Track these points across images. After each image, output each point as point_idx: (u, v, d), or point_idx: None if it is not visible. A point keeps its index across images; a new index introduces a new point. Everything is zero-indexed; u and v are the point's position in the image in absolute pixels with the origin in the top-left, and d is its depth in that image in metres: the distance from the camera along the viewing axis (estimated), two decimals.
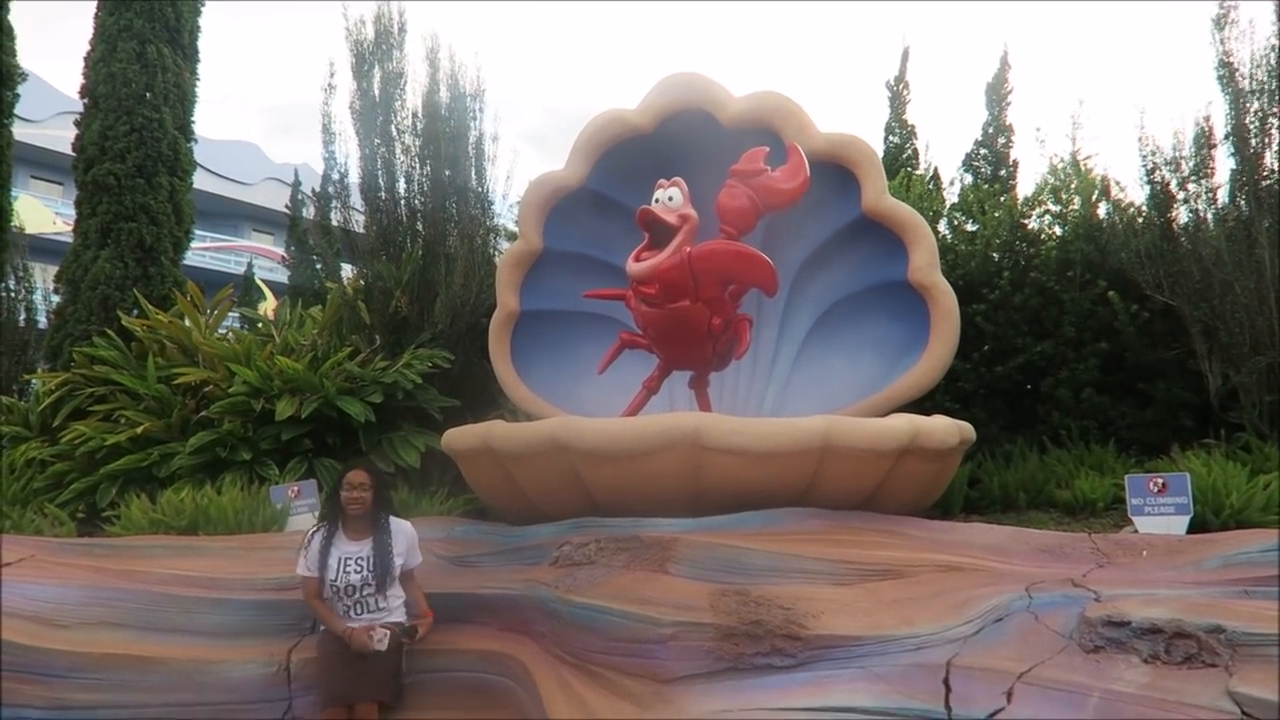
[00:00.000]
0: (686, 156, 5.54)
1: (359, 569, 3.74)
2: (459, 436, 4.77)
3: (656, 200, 4.93)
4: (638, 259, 4.86)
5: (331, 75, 7.07)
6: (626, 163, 5.73)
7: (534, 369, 5.88)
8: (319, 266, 9.70)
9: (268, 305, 13.36)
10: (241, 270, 20.08)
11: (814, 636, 3.13)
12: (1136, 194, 6.10)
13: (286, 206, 12.13)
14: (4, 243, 8.25)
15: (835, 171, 5.31)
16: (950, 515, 5.11)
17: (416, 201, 6.87)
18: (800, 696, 2.97)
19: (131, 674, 3.74)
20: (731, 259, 4.84)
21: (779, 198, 4.99)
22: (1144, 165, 5.78)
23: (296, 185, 12.32)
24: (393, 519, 3.90)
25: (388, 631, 3.66)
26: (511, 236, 7.32)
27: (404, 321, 6.52)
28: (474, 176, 6.93)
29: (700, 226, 4.91)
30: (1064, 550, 3.74)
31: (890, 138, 8.94)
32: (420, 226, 6.84)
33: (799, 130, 5.32)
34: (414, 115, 6.99)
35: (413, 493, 5.54)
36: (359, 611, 3.74)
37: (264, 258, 24.73)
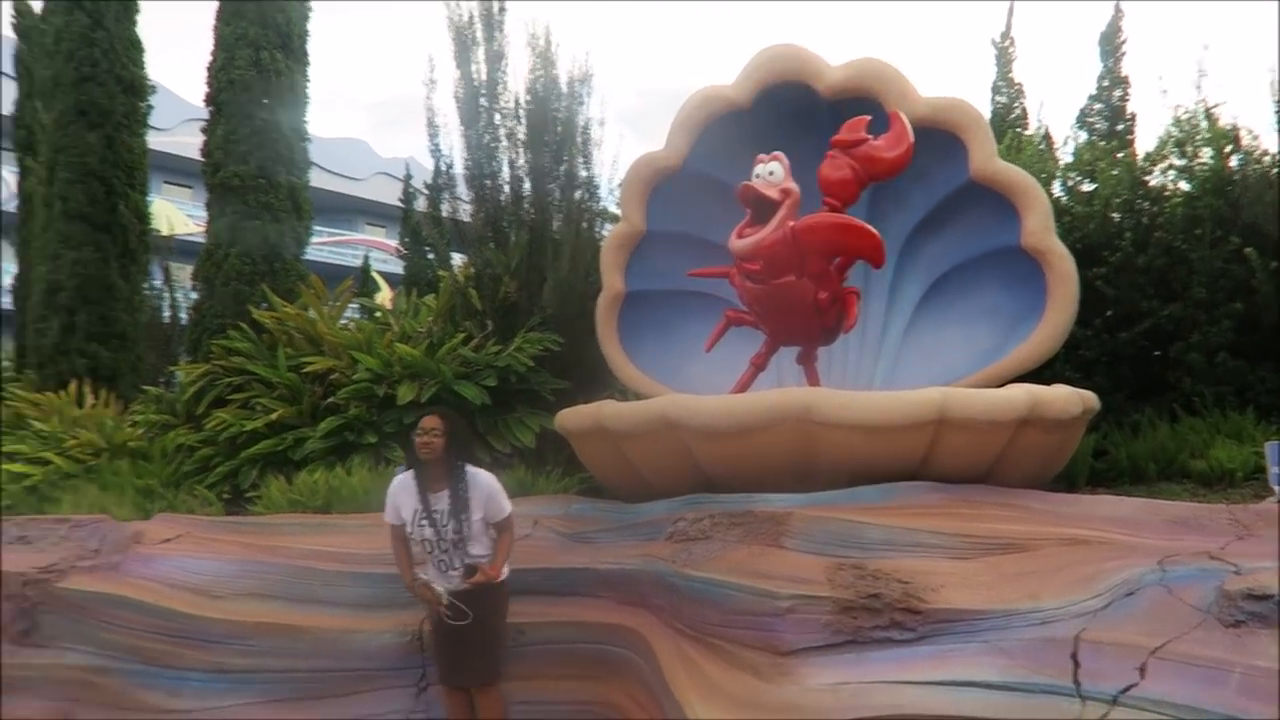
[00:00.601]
0: (786, 130, 5.49)
1: (430, 522, 3.64)
2: (571, 417, 4.90)
3: (757, 175, 4.92)
4: (740, 235, 4.86)
5: (432, 70, 7.29)
6: (725, 139, 5.72)
7: (642, 349, 5.96)
8: (431, 256, 10.06)
9: (383, 295, 13.93)
10: (358, 263, 20.92)
11: (934, 610, 3.11)
12: (1271, 142, 5.72)
13: (400, 200, 12.62)
14: (145, 245, 8.85)
15: (941, 137, 5.18)
16: (1075, 488, 4.95)
17: (522, 187, 7.02)
18: (921, 670, 2.96)
19: (280, 641, 4.03)
20: (836, 231, 4.79)
21: (882, 166, 4.90)
22: (1278, 111, 5.40)
23: (408, 179, 12.78)
24: (472, 469, 3.73)
25: (456, 609, 3.55)
26: (615, 219, 7.41)
27: (514, 306, 6.69)
28: (580, 161, 7.03)
29: (802, 200, 4.87)
30: (1199, 522, 3.58)
31: (997, 98, 8.59)
32: (525, 212, 6.98)
33: (900, 96, 5.20)
34: (516, 101, 7.13)
35: (529, 472, 5.72)
36: (444, 568, 3.68)
37: (378, 250, 25.67)
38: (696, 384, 5.43)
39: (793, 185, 4.86)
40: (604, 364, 6.10)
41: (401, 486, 3.79)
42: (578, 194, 7.07)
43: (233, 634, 3.99)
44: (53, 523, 4.84)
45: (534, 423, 6.05)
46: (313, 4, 9.02)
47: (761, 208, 4.79)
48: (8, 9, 10.71)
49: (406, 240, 13.06)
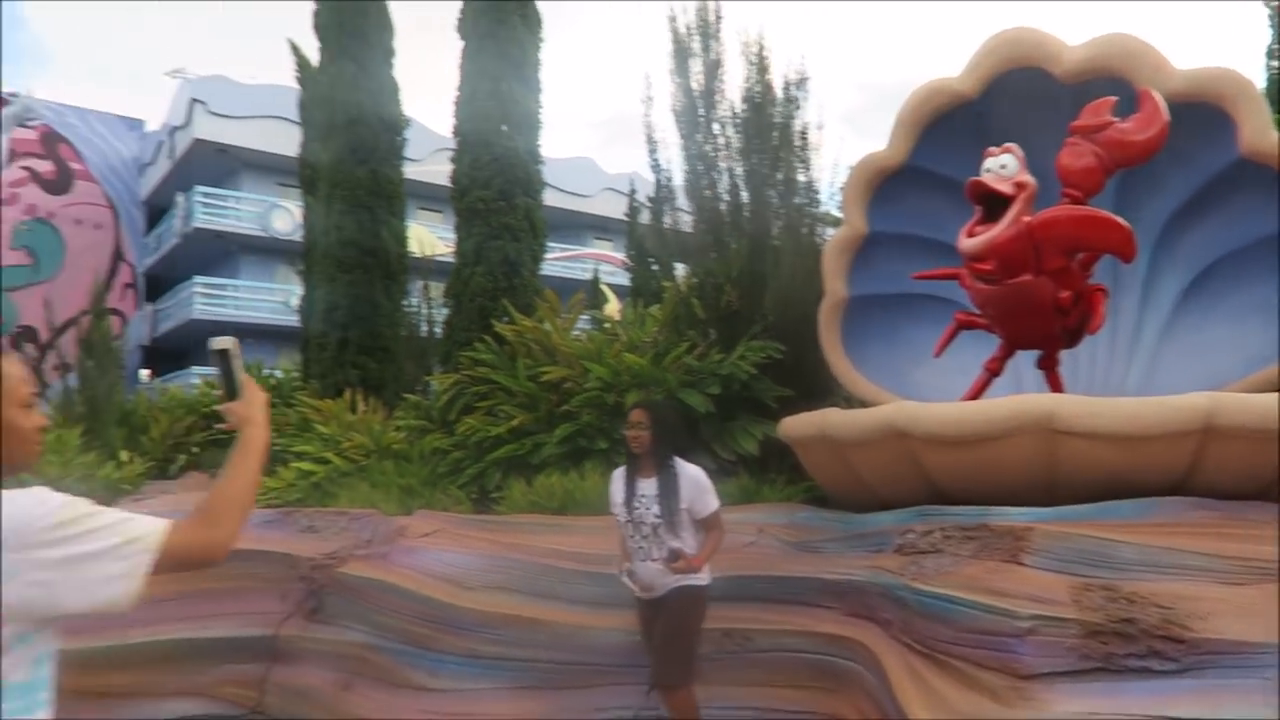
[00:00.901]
0: (1019, 120, 5.18)
1: (631, 508, 3.75)
2: (794, 425, 4.90)
3: (987, 170, 4.68)
4: (970, 234, 4.64)
5: (649, 87, 7.55)
6: (952, 134, 5.48)
7: (866, 355, 5.84)
8: (655, 268, 10.41)
9: (611, 307, 14.55)
10: (587, 276, 21.96)
11: (1201, 640, 2.82)
12: None
13: (625, 214, 13.18)
14: (404, 266, 9.82)
15: (1203, 113, 4.67)
16: None
17: (741, 196, 7.10)
18: (1185, 705, 2.70)
19: (524, 632, 4.34)
20: (1078, 225, 4.46)
21: (1132, 150, 4.49)
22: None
23: (632, 194, 13.30)
24: (681, 462, 3.79)
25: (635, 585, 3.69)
26: (837, 223, 7.31)
27: (735, 314, 6.77)
28: (798, 166, 7.01)
29: (1040, 193, 4.58)
30: None
31: (1272, 63, 7.57)
32: (745, 220, 7.05)
33: (1152, 72, 4.75)
34: (733, 110, 7.22)
35: (753, 480, 5.77)
36: (643, 556, 3.73)
37: (606, 263, 26.80)
38: (925, 391, 5.25)
39: (1028, 178, 4.58)
40: (827, 371, 6.03)
41: (616, 477, 3.98)
42: (797, 199, 7.04)
43: (483, 623, 4.35)
44: (334, 515, 5.51)
45: (757, 430, 6.09)
46: (544, 33, 9.57)
47: (993, 204, 4.55)
48: (292, 63, 12.27)
49: (632, 253, 13.59)
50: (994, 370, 4.98)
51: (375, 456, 7.23)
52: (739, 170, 7.10)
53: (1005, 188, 4.53)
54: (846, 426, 4.42)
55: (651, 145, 7.60)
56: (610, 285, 20.57)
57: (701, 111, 7.12)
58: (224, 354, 1.72)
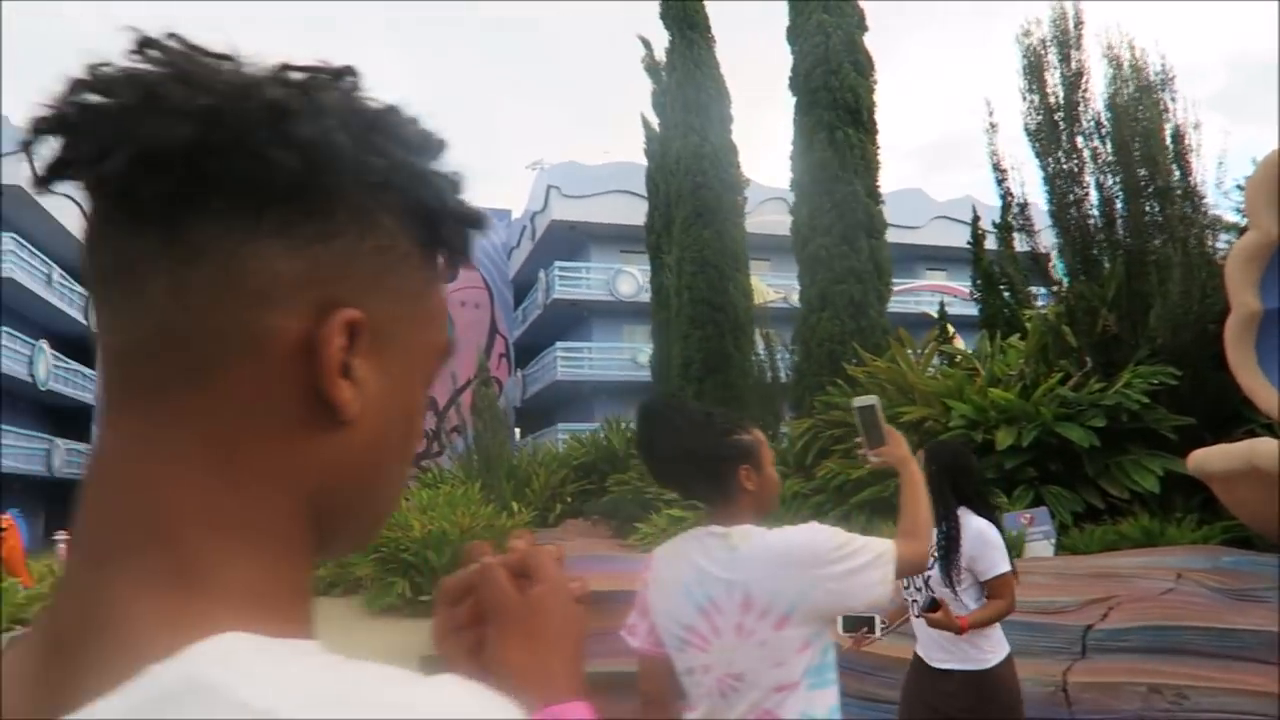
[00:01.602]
0: None
1: None
2: (1213, 458, 4.37)
3: None
4: None
5: (990, 114, 7.26)
6: None
7: None
8: (1006, 295, 9.89)
9: (956, 341, 13.88)
10: (922, 309, 21.22)
11: None
12: None
13: (968, 243, 12.63)
14: (750, 318, 10.25)
15: None
16: None
17: (1114, 210, 6.57)
18: None
19: None
20: None
21: None
22: None
23: (975, 221, 12.71)
24: (968, 513, 3.24)
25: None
26: (1231, 228, 6.48)
27: (1114, 339, 6.24)
28: (1175, 172, 6.35)
29: None
30: None
31: None
32: (1120, 237, 6.50)
33: None
34: (1096, 120, 6.74)
35: (1155, 519, 5.22)
36: (912, 607, 3.28)
37: (943, 294, 25.76)
38: None
39: None
40: (1236, 395, 5.30)
41: None
42: (1178, 208, 6.35)
43: (881, 666, 4.36)
44: None
45: (1155, 464, 5.53)
46: (877, 75, 9.60)
47: None
48: (641, 138, 13.41)
49: (978, 282, 12.95)
50: None
51: None
52: (1109, 183, 6.58)
53: None
54: None
55: (999, 175, 7.31)
56: (949, 316, 19.62)
57: (1062, 125, 6.72)
58: (870, 409, 1.97)
